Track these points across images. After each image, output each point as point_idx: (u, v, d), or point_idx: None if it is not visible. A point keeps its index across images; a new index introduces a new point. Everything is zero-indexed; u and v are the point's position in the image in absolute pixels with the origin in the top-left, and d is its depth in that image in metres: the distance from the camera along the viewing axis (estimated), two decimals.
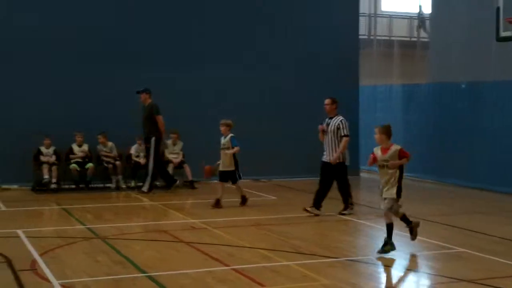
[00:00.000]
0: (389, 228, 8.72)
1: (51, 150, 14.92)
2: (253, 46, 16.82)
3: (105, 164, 15.08)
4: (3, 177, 14.76)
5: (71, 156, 15.08)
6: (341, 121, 11.47)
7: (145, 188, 14.30)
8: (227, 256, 8.63)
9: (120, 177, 15.25)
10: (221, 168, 12.41)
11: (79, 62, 15.32)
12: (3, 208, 12.49)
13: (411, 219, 8.97)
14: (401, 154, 8.69)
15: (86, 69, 15.29)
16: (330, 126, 11.47)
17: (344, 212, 11.60)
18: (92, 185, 14.96)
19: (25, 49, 15.02)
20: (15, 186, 15.00)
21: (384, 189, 8.70)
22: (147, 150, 14.46)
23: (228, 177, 12.41)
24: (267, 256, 8.67)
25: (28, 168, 14.74)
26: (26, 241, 9.40)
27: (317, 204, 11.45)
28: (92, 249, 8.99)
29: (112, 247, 9.03)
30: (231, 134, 12.38)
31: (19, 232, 10.01)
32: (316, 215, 11.34)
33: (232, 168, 12.33)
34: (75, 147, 15.18)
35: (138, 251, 8.88)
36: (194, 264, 8.20)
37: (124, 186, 15.29)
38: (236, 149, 12.26)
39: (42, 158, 14.76)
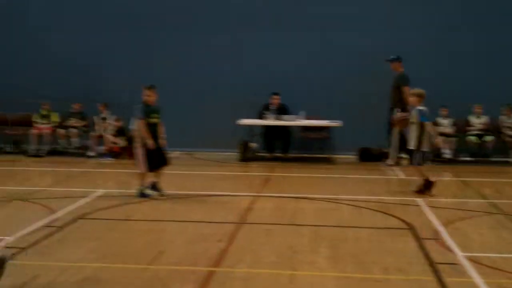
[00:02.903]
0: None
1: (448, 121, 14.84)
2: None
3: (508, 138, 14.46)
4: None
5: (468, 128, 14.80)
6: None
7: (389, 161, 13.67)
8: None
9: None
10: (408, 146, 10.82)
11: None
12: (402, 177, 12.80)
13: None
14: None
15: None
16: None
17: None
18: (492, 159, 14.46)
19: None
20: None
21: None
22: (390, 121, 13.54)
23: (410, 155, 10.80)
24: None
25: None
26: (426, 210, 9.47)
27: None
28: (495, 225, 8.62)
29: None
30: (419, 107, 10.61)
31: (419, 200, 10.14)
32: None
33: (412, 147, 10.62)
34: (473, 119, 14.86)
35: None
36: None
37: None
38: (430, 126, 10.59)
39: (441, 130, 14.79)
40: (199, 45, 15.85)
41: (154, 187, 10.40)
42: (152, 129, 10.23)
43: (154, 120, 10.28)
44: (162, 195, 10.31)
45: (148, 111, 10.23)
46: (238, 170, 13.67)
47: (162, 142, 10.35)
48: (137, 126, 10.35)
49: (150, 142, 10.14)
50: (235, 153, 14.70)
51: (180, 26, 15.85)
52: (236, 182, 12.30)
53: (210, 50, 15.82)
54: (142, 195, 10.19)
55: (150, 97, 10.24)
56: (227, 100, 15.58)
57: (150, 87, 10.29)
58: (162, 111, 10.40)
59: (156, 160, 10.28)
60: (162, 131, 10.37)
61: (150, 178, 10.43)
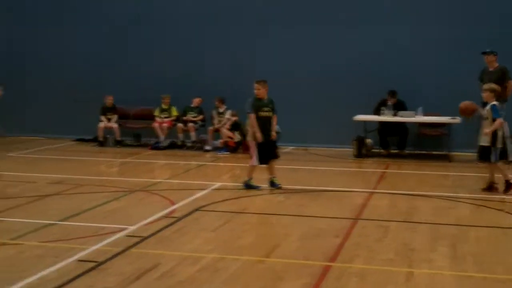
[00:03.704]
0: None
1: None
2: None
3: None
4: None
5: None
6: None
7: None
8: None
9: None
10: (480, 142, 10.24)
11: None
12: None
13: None
14: None
15: None
16: None
17: None
18: None
19: None
20: None
21: None
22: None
23: (486, 153, 10.16)
24: None
25: None
26: None
27: None
28: None
29: None
30: (493, 103, 10.11)
31: None
32: None
33: (488, 144, 10.01)
34: None
35: None
36: None
37: None
38: (497, 122, 9.97)
39: None
40: (315, 38, 15.79)
41: (272, 183, 10.51)
42: (263, 123, 10.38)
43: (265, 114, 10.42)
44: (280, 189, 10.42)
45: (258, 105, 10.42)
46: (352, 166, 13.54)
47: (273, 135, 10.48)
48: (248, 120, 10.55)
49: (258, 136, 10.31)
50: (350, 149, 14.56)
51: (298, 19, 15.90)
52: (351, 178, 12.19)
53: (327, 44, 15.72)
54: (249, 186, 10.38)
55: (259, 90, 10.43)
56: (343, 96, 15.43)
57: (259, 81, 10.48)
58: (275, 104, 10.52)
59: (266, 153, 10.41)
60: (274, 124, 10.50)
61: (266, 174, 10.54)
